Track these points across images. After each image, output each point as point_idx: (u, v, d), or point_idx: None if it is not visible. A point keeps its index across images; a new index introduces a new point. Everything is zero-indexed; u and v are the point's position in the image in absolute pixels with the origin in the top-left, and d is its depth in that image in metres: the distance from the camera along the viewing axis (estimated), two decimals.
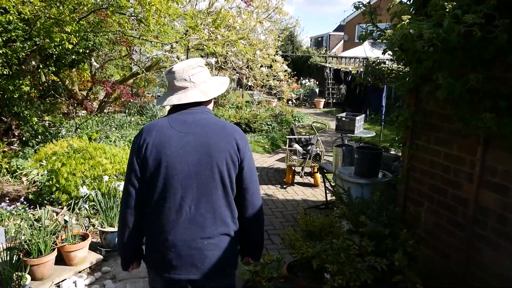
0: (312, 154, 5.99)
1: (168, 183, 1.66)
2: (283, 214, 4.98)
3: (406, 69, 3.59)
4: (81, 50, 5.64)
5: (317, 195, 5.78)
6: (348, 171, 3.91)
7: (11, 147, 6.50)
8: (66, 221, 3.59)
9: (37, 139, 6.78)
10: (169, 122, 1.72)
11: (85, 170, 4.17)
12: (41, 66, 5.82)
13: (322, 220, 2.65)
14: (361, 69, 8.06)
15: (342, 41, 32.13)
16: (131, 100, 8.96)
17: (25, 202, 4.40)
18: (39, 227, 3.33)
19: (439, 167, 3.00)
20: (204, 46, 7.46)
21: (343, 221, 3.03)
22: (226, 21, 7.24)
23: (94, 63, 11.40)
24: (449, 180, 2.90)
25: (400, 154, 5.67)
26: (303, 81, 18.81)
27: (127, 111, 10.72)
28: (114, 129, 8.53)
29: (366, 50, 21.77)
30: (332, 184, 4.88)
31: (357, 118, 7.24)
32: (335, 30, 35.36)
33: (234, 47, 9.15)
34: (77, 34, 4.99)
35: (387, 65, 4.23)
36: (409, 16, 2.40)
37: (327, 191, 4.99)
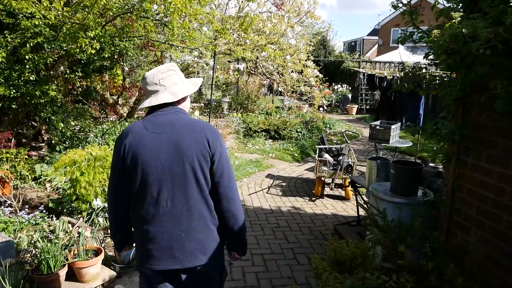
0: (343, 165, 5.62)
1: (145, 180, 1.79)
2: (310, 230, 4.64)
3: (452, 75, 3.20)
4: (106, 55, 5.56)
5: (348, 209, 5.40)
6: (383, 188, 3.53)
7: (39, 152, 6.53)
8: (80, 234, 3.43)
9: (64, 144, 6.79)
10: (144, 124, 1.85)
11: (103, 179, 4.02)
12: (67, 71, 5.78)
13: (353, 248, 2.32)
14: (397, 75, 7.59)
15: (376, 46, 31.32)
16: None
17: (44, 211, 4.31)
18: (52, 240, 3.18)
19: (491, 189, 2.59)
20: (233, 51, 7.25)
21: (377, 246, 2.67)
22: (254, 24, 7.00)
23: (126, 69, 11.52)
24: (504, 205, 2.49)
25: (441, 168, 5.21)
26: (335, 87, 18.33)
27: None
28: None
29: (402, 55, 21.04)
30: (365, 200, 4.50)
31: (393, 126, 6.78)
32: (369, 34, 34.58)
33: (264, 52, 8.92)
34: (102, 39, 4.89)
35: (428, 71, 3.85)
36: (461, 14, 2.04)
37: (359, 207, 4.60)
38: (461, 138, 2.83)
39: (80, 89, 9.73)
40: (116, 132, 8.15)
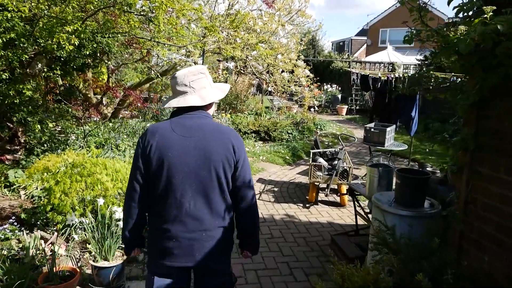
0: (339, 170, 5.35)
1: (170, 182, 1.83)
2: (306, 241, 4.36)
3: (462, 77, 2.95)
4: (88, 52, 5.18)
5: (345, 217, 5.14)
6: (387, 198, 3.27)
7: (15, 155, 6.11)
8: (54, 252, 3.07)
9: (43, 147, 6.38)
10: (171, 125, 1.87)
11: (81, 189, 3.66)
12: (45, 69, 5.39)
13: (363, 274, 2.04)
14: (391, 76, 7.38)
15: (364, 46, 31.35)
16: (145, 107, 8.48)
17: (16, 223, 3.93)
18: (21, 259, 2.83)
19: None
20: (222, 50, 6.93)
21: (386, 267, 2.40)
22: (245, 21, 6.70)
23: (111, 67, 11.07)
24: None
25: (439, 173, 4.98)
26: (325, 87, 18.13)
27: (141, 116, 10.33)
28: (125, 136, 8.09)
29: (391, 55, 20.98)
30: (366, 210, 4.24)
31: (388, 129, 6.55)
32: (358, 35, 34.64)
33: (254, 51, 8.62)
34: (82, 35, 4.53)
35: (430, 73, 3.61)
36: (494, 8, 1.77)
37: (358, 216, 4.35)
38: (476, 147, 2.58)
39: (62, 88, 9.28)
40: (99, 134, 7.76)
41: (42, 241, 3.30)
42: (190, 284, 2.06)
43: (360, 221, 4.42)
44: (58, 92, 9.31)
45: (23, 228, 3.86)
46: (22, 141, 6.59)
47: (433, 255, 2.14)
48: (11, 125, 6.48)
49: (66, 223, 3.73)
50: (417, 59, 15.52)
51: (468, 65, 2.51)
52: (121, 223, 3.06)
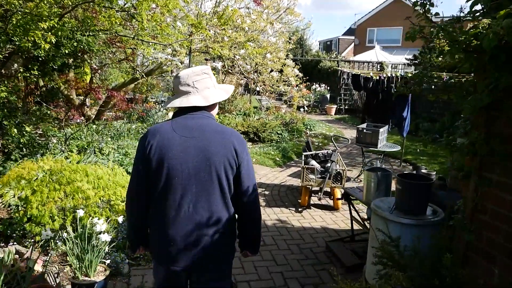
0: (332, 173, 5.18)
1: (169, 183, 1.79)
2: (300, 248, 4.17)
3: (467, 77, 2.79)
4: (67, 51, 4.90)
5: (339, 221, 4.96)
6: (386, 204, 3.10)
7: None
8: (30, 268, 2.81)
9: (22, 152, 6.04)
10: (172, 126, 1.83)
11: (60, 198, 3.40)
12: (21, 70, 5.08)
13: None
14: (383, 75, 7.24)
15: (351, 45, 31.43)
16: (129, 108, 8.18)
17: None
18: None
19: None
20: (210, 49, 6.69)
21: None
22: (233, 18, 6.47)
23: (94, 67, 10.70)
24: None
25: (434, 175, 4.82)
26: (313, 86, 17.99)
27: (126, 118, 10.03)
28: (110, 139, 7.79)
29: (378, 55, 20.97)
30: (362, 215, 4.07)
31: (381, 130, 6.42)
32: (345, 34, 34.72)
33: (242, 50, 8.39)
34: (60, 33, 4.25)
35: (423, 72, 3.45)
36: None
37: (354, 221, 4.17)
38: (487, 151, 2.41)
39: (44, 88, 8.92)
40: (82, 137, 7.44)
41: (17, 256, 3.03)
42: None
43: (355, 226, 4.25)
44: (39, 93, 8.95)
45: None
46: None
47: (444, 271, 1.95)
48: None
49: (52, 229, 3.47)
50: (406, 58, 15.55)
51: (479, 64, 2.33)
52: (102, 236, 2.82)
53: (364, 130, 6.48)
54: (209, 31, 6.29)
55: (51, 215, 3.44)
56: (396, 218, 2.85)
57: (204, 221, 1.81)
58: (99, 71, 13.37)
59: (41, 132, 7.52)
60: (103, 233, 2.88)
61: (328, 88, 17.89)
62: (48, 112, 7.37)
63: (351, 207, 4.11)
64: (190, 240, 1.81)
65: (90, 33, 5.00)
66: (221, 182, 1.81)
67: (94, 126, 8.37)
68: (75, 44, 4.83)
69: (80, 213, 3.04)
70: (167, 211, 1.81)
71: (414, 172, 5.75)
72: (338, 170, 5.24)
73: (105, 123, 8.75)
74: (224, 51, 6.57)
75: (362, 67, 16.75)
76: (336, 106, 16.43)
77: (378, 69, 15.81)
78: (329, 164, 5.41)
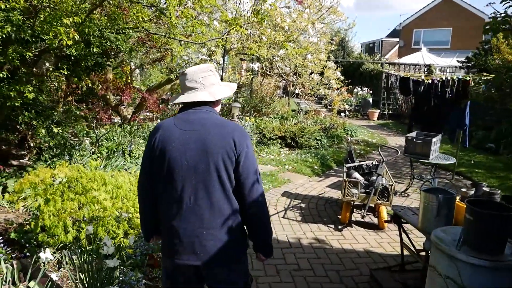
0: (378, 188, 4.59)
1: (170, 175, 1.84)
2: (340, 275, 3.64)
3: None
4: (95, 50, 4.65)
5: (384, 243, 4.37)
6: (451, 237, 2.52)
7: (21, 161, 5.66)
8: None
9: (52, 152, 5.92)
10: (174, 121, 1.90)
11: (73, 209, 3.09)
12: (50, 69, 4.90)
13: None
14: (438, 79, 6.53)
15: (395, 47, 30.14)
16: (162, 110, 7.95)
17: (3, 243, 3.41)
18: None
19: None
20: (246, 48, 6.29)
21: None
22: (272, 13, 6.03)
23: (133, 66, 10.65)
24: None
25: (498, 193, 4.13)
26: (355, 90, 17.20)
27: (160, 119, 9.86)
28: (142, 140, 7.58)
29: (425, 57, 19.80)
30: (418, 248, 3.48)
31: (434, 139, 5.73)
32: (388, 36, 33.45)
33: (281, 50, 7.94)
34: (86, 30, 3.99)
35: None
36: None
37: (404, 248, 3.58)
38: None
39: (85, 88, 8.93)
40: (115, 138, 7.29)
41: (22, 274, 2.74)
42: (203, 285, 2.01)
43: (405, 251, 3.66)
44: (80, 92, 8.95)
45: (12, 249, 3.34)
46: (32, 145, 6.17)
47: None
48: (20, 128, 6.08)
49: (64, 242, 3.19)
50: (458, 61, 14.45)
51: None
52: (109, 262, 2.46)
53: (414, 140, 5.81)
54: (246, 30, 5.89)
55: (65, 226, 3.14)
56: (465, 257, 2.27)
57: (205, 214, 1.82)
58: (137, 70, 13.39)
59: (76, 132, 7.45)
60: (111, 257, 2.53)
61: (371, 92, 17.03)
62: (82, 112, 7.27)
63: (402, 232, 3.52)
64: (192, 233, 1.82)
65: (121, 31, 4.73)
66: (219, 173, 1.80)
67: (129, 126, 8.23)
68: (103, 42, 4.57)
69: (89, 229, 2.70)
70: (170, 204, 1.85)
71: (474, 190, 5.04)
72: (385, 185, 4.65)
73: (139, 125, 8.60)
74: (262, 51, 6.14)
75: (407, 70, 15.78)
76: (379, 111, 15.58)
77: (426, 72, 14.81)
78: (374, 177, 4.83)
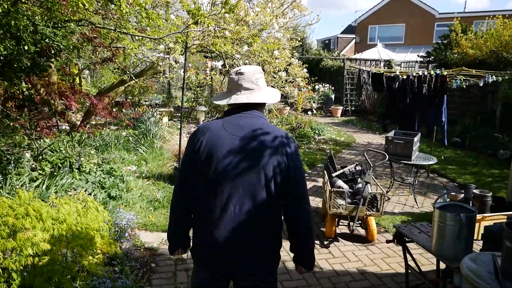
0: (367, 198, 4.13)
1: (216, 182, 1.75)
2: None
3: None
4: (30, 48, 3.83)
5: (378, 260, 3.91)
6: (484, 268, 2.05)
7: None
8: None
9: None
10: (223, 124, 1.82)
11: None
12: None
13: None
14: (413, 74, 6.22)
15: (351, 44, 30.56)
16: (114, 116, 7.10)
17: None
18: None
19: None
20: (210, 45, 5.64)
21: None
22: (240, 4, 5.42)
23: (81, 66, 9.61)
24: None
25: (489, 195, 3.79)
26: (316, 87, 16.96)
27: (115, 124, 8.98)
28: (94, 151, 6.71)
29: (381, 52, 20.01)
30: (421, 262, 3.02)
31: (415, 139, 5.39)
32: (343, 32, 33.97)
33: (245, 47, 7.34)
34: (13, 22, 3.18)
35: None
36: None
37: (409, 270, 3.12)
38: None
39: (26, 92, 7.86)
40: (62, 149, 6.36)
41: None
42: None
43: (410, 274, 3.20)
44: (21, 97, 7.88)
45: None
46: None
47: None
48: None
49: None
50: (418, 56, 14.57)
51: None
52: None
53: (395, 140, 5.44)
54: (213, 21, 5.22)
55: None
56: None
57: (248, 223, 1.76)
58: (86, 71, 12.24)
59: (15, 143, 6.44)
60: None
61: (333, 88, 16.86)
62: (18, 122, 6.28)
63: (406, 252, 3.05)
64: (232, 243, 1.76)
65: (59, 25, 3.93)
66: (268, 184, 1.75)
67: (78, 134, 7.30)
68: (38, 38, 3.76)
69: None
70: (212, 211, 1.77)
71: (463, 192, 4.73)
72: (374, 193, 4.19)
73: (90, 131, 7.68)
74: (227, 47, 5.52)
75: (367, 66, 15.75)
76: (342, 107, 15.42)
77: (385, 68, 14.82)
78: (360, 185, 4.37)
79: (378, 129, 12.16)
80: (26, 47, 3.65)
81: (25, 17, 3.49)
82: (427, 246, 2.70)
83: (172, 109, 11.99)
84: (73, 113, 8.24)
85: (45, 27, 3.62)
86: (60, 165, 5.11)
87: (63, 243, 2.51)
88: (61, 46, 3.80)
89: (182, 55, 6.05)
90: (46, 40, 3.95)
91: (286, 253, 4.02)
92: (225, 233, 1.75)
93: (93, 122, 8.87)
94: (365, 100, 15.04)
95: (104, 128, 8.51)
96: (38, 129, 5.50)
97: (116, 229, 3.76)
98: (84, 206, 3.12)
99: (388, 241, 3.10)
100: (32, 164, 5.30)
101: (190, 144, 1.84)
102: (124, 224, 3.82)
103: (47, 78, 7.46)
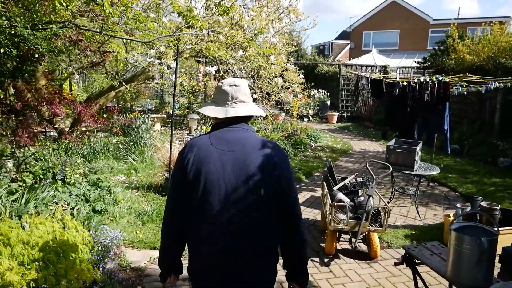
0: (370, 212, 3.87)
1: (206, 198, 1.70)
2: None
3: None
4: (14, 53, 3.54)
5: (382, 280, 3.64)
6: None
7: None
8: None
9: None
10: (210, 139, 1.77)
11: None
12: None
13: None
14: (415, 80, 6.00)
15: (345, 49, 30.49)
16: (102, 123, 6.81)
17: None
18: None
19: None
20: (203, 49, 5.38)
21: None
22: (235, 8, 5.18)
23: (70, 70, 9.29)
24: None
25: (498, 208, 3.56)
26: (312, 92, 16.76)
27: (106, 131, 8.67)
28: (81, 159, 6.40)
29: (376, 58, 19.90)
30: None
31: (417, 148, 5.16)
32: (338, 38, 33.93)
33: (240, 52, 7.10)
34: None
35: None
36: None
37: None
38: None
39: (13, 98, 7.54)
40: (47, 157, 6.04)
41: None
42: None
43: None
44: (9, 102, 7.56)
45: None
46: None
47: None
48: None
49: None
50: (415, 61, 14.42)
51: None
52: None
53: (397, 150, 5.20)
54: (207, 24, 4.97)
55: None
56: None
57: (242, 238, 1.69)
58: (76, 76, 11.92)
59: None
60: None
61: (328, 94, 16.67)
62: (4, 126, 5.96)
63: (417, 276, 2.79)
64: (228, 258, 1.70)
65: (40, 27, 3.65)
66: (260, 197, 1.69)
67: (65, 142, 6.99)
68: (16, 40, 3.47)
69: None
70: (205, 228, 1.71)
71: (469, 204, 4.49)
72: (377, 207, 3.94)
73: (79, 138, 7.37)
74: (221, 52, 5.26)
75: (364, 71, 15.59)
76: (338, 113, 15.22)
77: (381, 73, 14.67)
78: (362, 198, 4.12)
79: (375, 136, 11.96)
80: (2, 50, 3.36)
81: (4, 17, 3.20)
82: (442, 271, 2.44)
83: (165, 115, 11.71)
84: (61, 119, 7.93)
85: (24, 29, 3.34)
86: (42, 176, 4.79)
87: (33, 272, 2.21)
88: (41, 49, 3.51)
89: (174, 60, 5.78)
90: (26, 43, 3.67)
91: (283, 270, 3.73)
92: (218, 248, 1.70)
93: (83, 129, 8.56)
94: (361, 106, 14.86)
95: (94, 135, 8.20)
96: (17, 137, 5.17)
97: (100, 247, 3.46)
98: (63, 226, 2.82)
99: (396, 264, 2.83)
100: (13, 174, 4.98)
101: (179, 162, 1.78)
102: (109, 242, 3.52)
103: (34, 83, 7.17)
